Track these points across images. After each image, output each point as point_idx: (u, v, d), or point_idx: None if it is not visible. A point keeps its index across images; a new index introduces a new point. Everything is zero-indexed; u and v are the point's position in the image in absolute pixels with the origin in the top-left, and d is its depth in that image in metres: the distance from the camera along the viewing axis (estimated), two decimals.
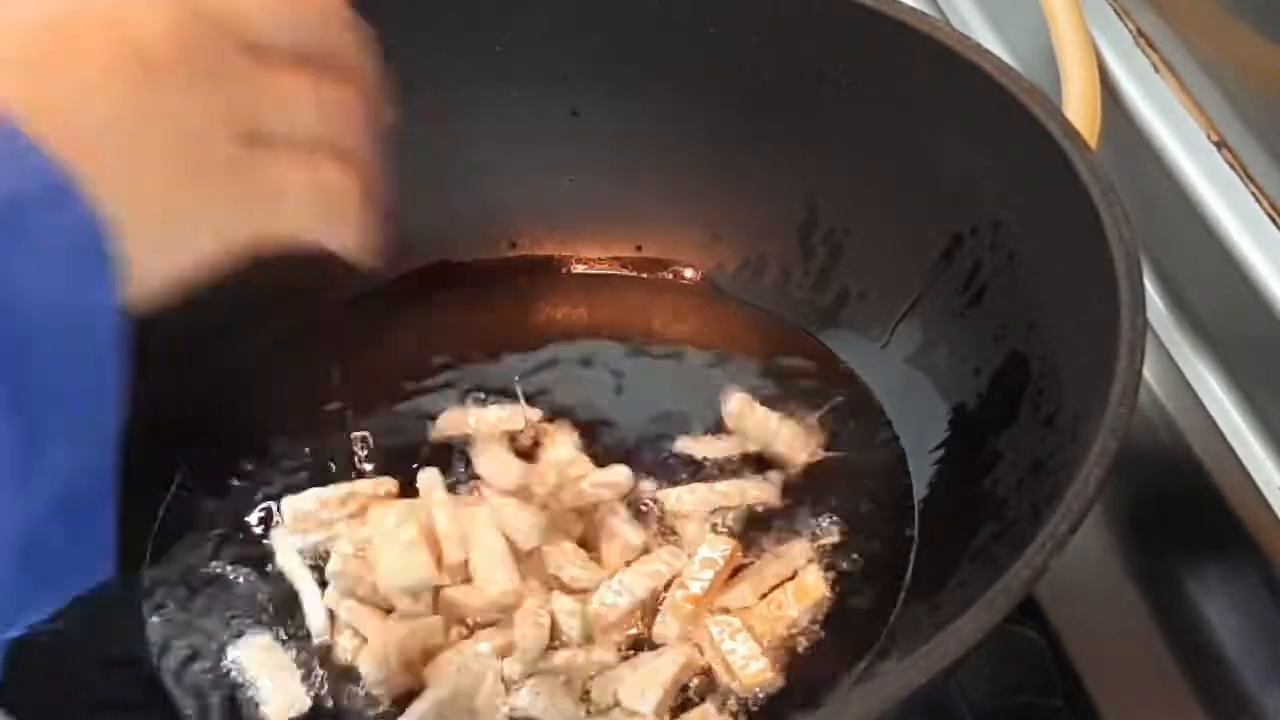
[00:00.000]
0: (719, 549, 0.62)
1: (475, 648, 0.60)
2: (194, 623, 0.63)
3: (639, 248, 0.75)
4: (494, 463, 0.65)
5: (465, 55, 0.72)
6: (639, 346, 0.72)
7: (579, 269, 0.75)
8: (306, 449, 0.69)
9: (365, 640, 0.61)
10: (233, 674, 0.61)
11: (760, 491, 0.65)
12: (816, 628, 0.60)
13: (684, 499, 0.64)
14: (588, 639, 0.60)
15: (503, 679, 0.59)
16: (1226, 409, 0.71)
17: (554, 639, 0.60)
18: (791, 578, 0.62)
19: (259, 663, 0.61)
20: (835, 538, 0.63)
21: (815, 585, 0.61)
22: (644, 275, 0.75)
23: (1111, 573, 0.68)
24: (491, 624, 0.61)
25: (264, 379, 0.71)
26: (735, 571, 0.62)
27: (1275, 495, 0.67)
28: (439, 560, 0.61)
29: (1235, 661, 0.64)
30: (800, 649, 0.60)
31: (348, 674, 0.60)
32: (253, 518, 0.66)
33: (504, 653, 0.60)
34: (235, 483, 0.68)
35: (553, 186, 0.75)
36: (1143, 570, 0.68)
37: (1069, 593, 0.64)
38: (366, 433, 0.69)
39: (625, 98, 0.72)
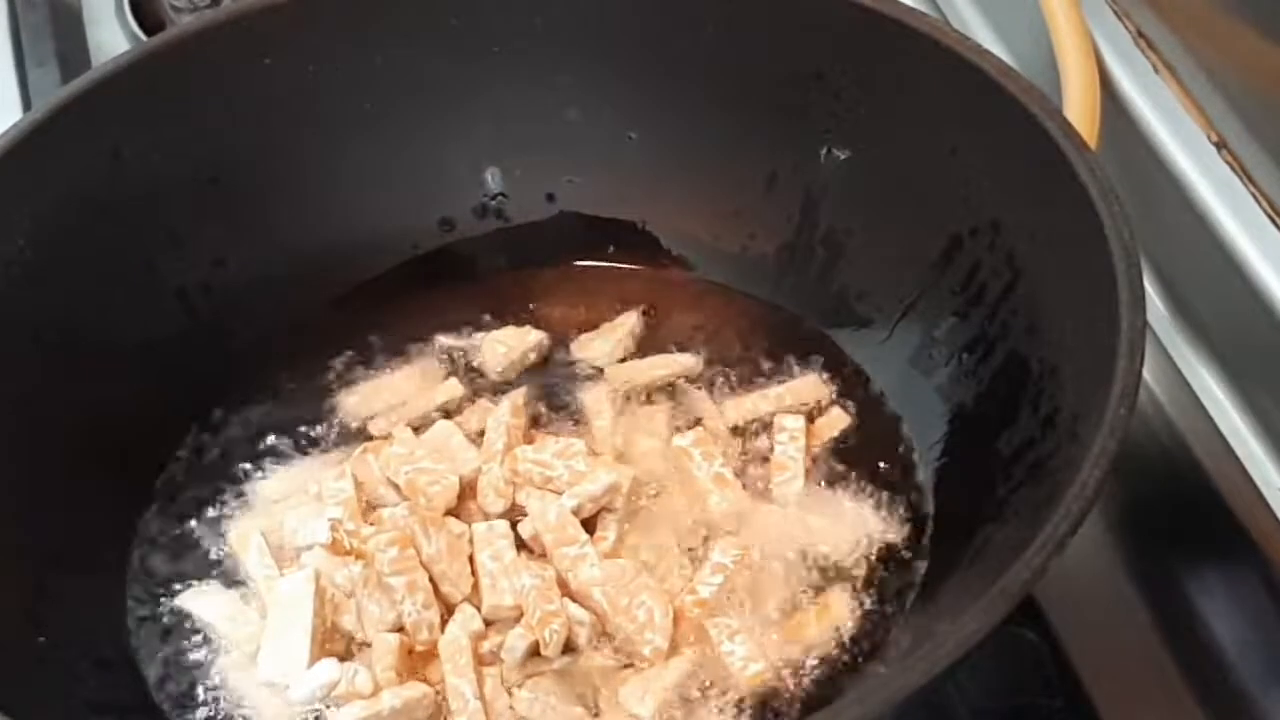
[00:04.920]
0: (730, 554, 0.62)
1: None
2: (184, 626, 0.63)
3: (639, 244, 0.75)
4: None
5: (466, 56, 0.72)
6: (639, 338, 0.72)
7: (580, 264, 0.75)
8: (304, 450, 0.69)
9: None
10: (219, 687, 0.61)
11: (811, 389, 0.68)
12: (833, 645, 0.60)
13: (743, 408, 0.67)
14: (591, 644, 0.60)
15: (502, 681, 0.59)
16: (1226, 409, 0.71)
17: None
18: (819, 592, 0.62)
19: (243, 676, 0.61)
20: (838, 538, 0.63)
21: (839, 606, 0.61)
22: (644, 270, 0.75)
23: (1111, 573, 0.68)
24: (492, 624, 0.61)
25: (262, 377, 0.71)
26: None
27: (1275, 495, 0.67)
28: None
29: (1235, 661, 0.64)
30: (800, 649, 0.60)
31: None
32: (246, 520, 0.66)
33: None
34: (230, 483, 0.68)
35: (553, 185, 0.75)
36: (1143, 570, 0.68)
37: (1069, 593, 0.64)
38: (367, 428, 0.69)
39: (625, 98, 0.72)
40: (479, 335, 0.72)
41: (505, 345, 0.71)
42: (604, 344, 0.71)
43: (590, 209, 0.75)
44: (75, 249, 0.66)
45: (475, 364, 0.71)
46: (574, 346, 0.71)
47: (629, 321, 0.72)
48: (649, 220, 0.75)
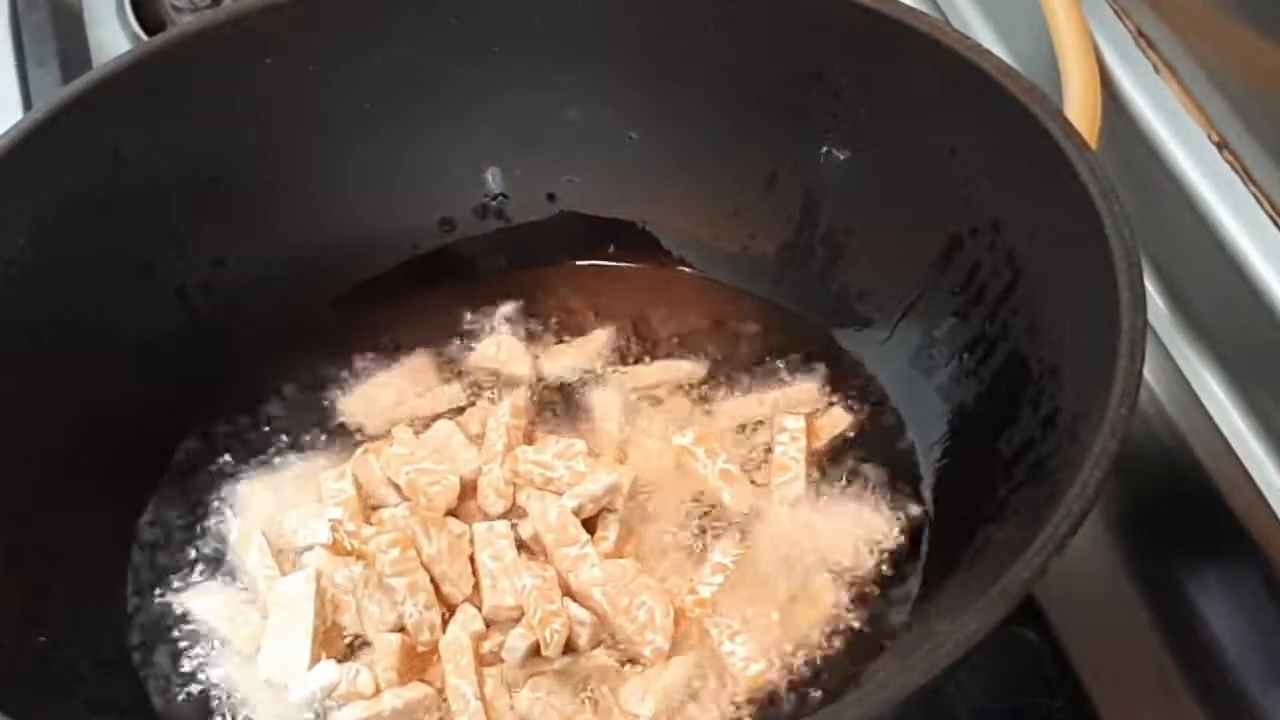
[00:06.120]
0: (730, 554, 0.62)
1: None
2: (184, 626, 0.63)
3: (639, 244, 0.75)
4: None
5: (466, 56, 0.72)
6: (640, 338, 0.72)
7: (580, 264, 0.75)
8: (304, 450, 0.69)
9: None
10: (219, 687, 0.61)
11: (811, 390, 0.68)
12: (833, 645, 0.60)
13: (743, 408, 0.67)
14: (591, 644, 0.60)
15: (503, 681, 0.59)
16: (1226, 409, 0.71)
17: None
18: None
19: (243, 676, 0.61)
20: (839, 538, 0.63)
21: (839, 606, 0.61)
22: (644, 270, 0.75)
23: (1111, 573, 0.68)
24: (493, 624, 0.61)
25: (262, 377, 0.71)
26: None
27: (1275, 495, 0.67)
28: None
29: (1235, 661, 0.64)
30: (801, 649, 0.60)
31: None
32: (246, 520, 0.66)
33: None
34: (230, 483, 0.68)
35: (553, 185, 0.75)
36: (1143, 570, 0.68)
37: (1069, 593, 0.64)
38: (366, 426, 0.69)
39: (625, 98, 0.72)
40: (478, 336, 0.72)
41: (495, 349, 0.71)
42: (573, 359, 0.71)
43: (590, 209, 0.75)
44: (75, 249, 0.66)
45: (469, 363, 0.71)
46: (544, 358, 0.71)
47: (601, 338, 0.72)
48: (649, 220, 0.75)
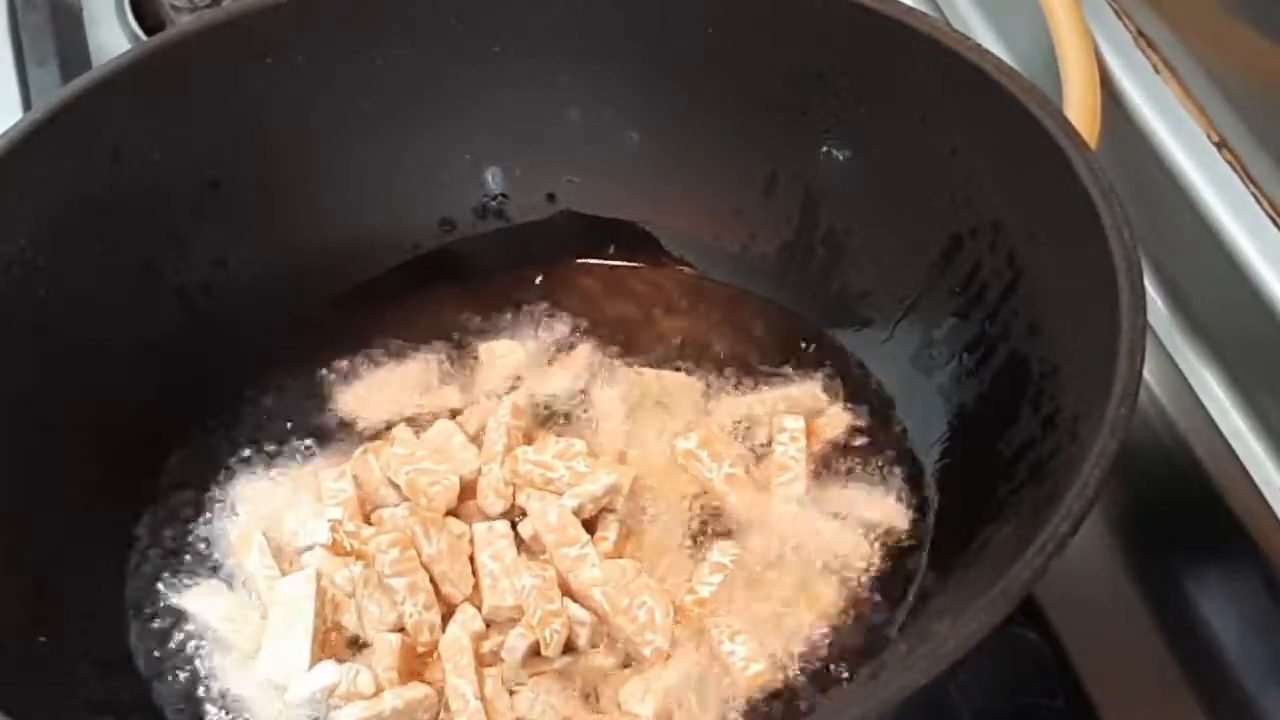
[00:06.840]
0: (729, 554, 0.62)
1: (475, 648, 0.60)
2: (184, 627, 0.63)
3: (639, 244, 0.75)
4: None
5: (466, 56, 0.72)
6: (640, 338, 0.72)
7: (581, 264, 0.75)
8: (304, 450, 0.69)
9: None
10: (219, 687, 0.61)
11: (811, 390, 0.68)
12: (834, 645, 0.60)
13: (743, 408, 0.67)
14: (593, 645, 0.60)
15: (503, 681, 0.59)
16: (1226, 409, 0.71)
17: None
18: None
19: (243, 676, 0.61)
20: (839, 539, 0.63)
21: (840, 607, 0.61)
22: (644, 270, 0.75)
23: (1111, 573, 0.68)
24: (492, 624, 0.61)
25: (262, 377, 0.71)
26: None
27: (1275, 495, 0.67)
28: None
29: (1235, 661, 0.64)
30: (801, 649, 0.60)
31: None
32: (246, 520, 0.66)
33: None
34: (229, 483, 0.68)
35: (553, 185, 0.75)
36: (1143, 570, 0.68)
37: (1069, 593, 0.64)
38: (365, 426, 0.69)
39: (625, 98, 0.72)
40: (478, 336, 0.72)
41: (499, 352, 0.71)
42: (562, 379, 0.70)
43: (590, 209, 0.75)
44: (75, 248, 0.66)
45: (473, 363, 0.72)
46: (531, 382, 0.70)
47: (583, 354, 0.71)
48: (649, 220, 0.75)
